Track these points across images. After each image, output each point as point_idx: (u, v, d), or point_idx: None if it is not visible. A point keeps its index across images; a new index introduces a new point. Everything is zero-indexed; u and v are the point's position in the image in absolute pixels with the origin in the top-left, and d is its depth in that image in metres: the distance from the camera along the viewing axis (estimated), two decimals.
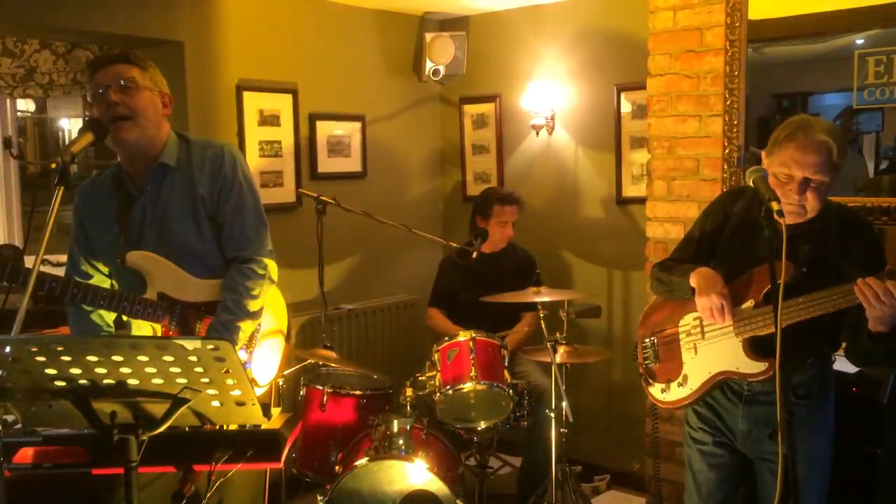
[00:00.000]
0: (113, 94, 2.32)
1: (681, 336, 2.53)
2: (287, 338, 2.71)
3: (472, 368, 3.36)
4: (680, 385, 2.52)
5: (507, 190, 4.44)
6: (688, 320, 2.51)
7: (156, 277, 2.41)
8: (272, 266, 2.53)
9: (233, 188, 2.47)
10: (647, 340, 2.65)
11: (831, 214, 2.34)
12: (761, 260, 2.27)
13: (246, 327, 2.43)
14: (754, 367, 2.31)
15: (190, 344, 1.61)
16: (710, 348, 2.43)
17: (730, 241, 2.46)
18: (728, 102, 3.38)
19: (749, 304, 2.32)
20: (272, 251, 2.55)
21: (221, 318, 2.40)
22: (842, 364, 2.93)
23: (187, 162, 2.46)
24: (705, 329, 2.44)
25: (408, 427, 3.15)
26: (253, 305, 2.44)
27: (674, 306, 2.56)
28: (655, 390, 2.61)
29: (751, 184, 2.21)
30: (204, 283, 2.46)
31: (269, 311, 2.59)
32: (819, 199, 2.25)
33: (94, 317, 2.48)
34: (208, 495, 2.03)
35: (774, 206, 2.02)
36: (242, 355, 2.44)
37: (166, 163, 2.43)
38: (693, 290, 2.38)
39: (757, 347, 2.31)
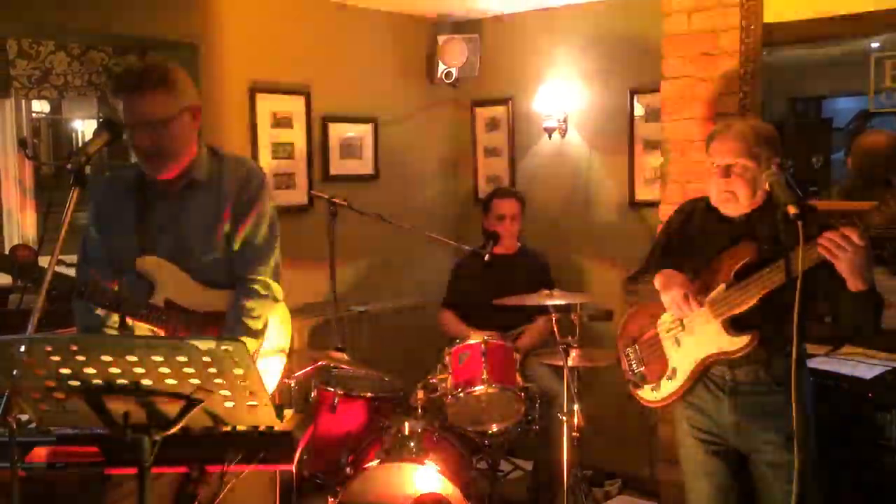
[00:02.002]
0: (141, 137, 2.30)
1: (661, 334, 2.64)
2: (289, 354, 2.72)
3: (484, 371, 3.35)
4: (669, 379, 2.61)
5: (508, 187, 4.43)
6: (666, 318, 2.62)
7: (164, 284, 2.42)
8: (276, 287, 2.54)
9: (253, 209, 2.48)
10: (628, 349, 2.77)
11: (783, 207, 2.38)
12: (721, 251, 2.45)
13: (248, 345, 2.42)
14: (736, 342, 2.40)
15: (204, 345, 1.61)
16: (692, 337, 2.53)
17: (690, 244, 2.60)
18: (742, 105, 3.35)
19: (721, 287, 2.43)
20: (277, 273, 2.56)
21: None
22: (857, 369, 2.93)
23: (217, 178, 2.47)
24: (684, 320, 2.54)
25: (419, 429, 3.15)
26: (254, 325, 2.45)
27: (649, 311, 2.68)
28: (645, 392, 2.71)
29: (766, 187, 2.24)
30: (210, 294, 2.47)
31: (274, 329, 2.61)
32: (747, 186, 2.38)
33: (98, 310, 2.49)
34: (220, 496, 2.03)
35: (791, 209, 2.05)
36: None
37: (197, 178, 2.44)
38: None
39: (736, 324, 2.41)
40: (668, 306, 2.51)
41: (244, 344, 1.65)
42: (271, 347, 2.60)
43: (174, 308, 2.42)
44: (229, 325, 2.42)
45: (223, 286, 2.49)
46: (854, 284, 2.18)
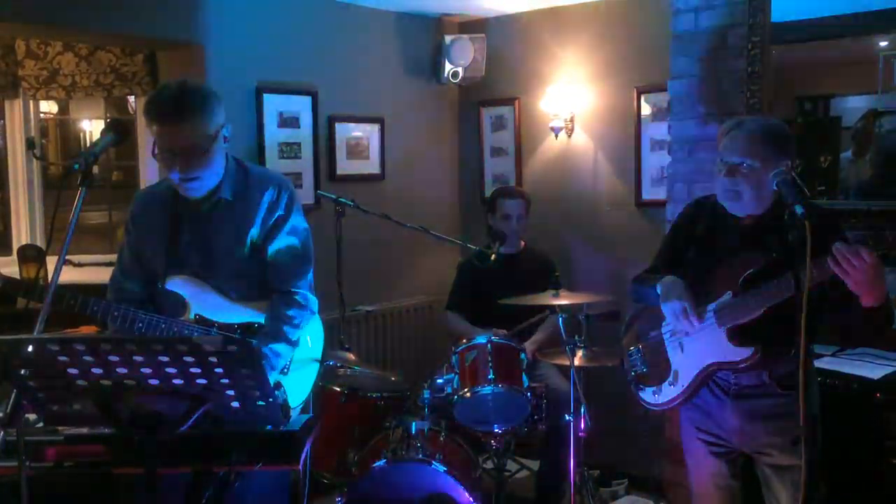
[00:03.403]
0: (179, 163, 2.31)
1: (665, 336, 2.61)
2: (321, 362, 2.74)
3: (491, 371, 3.34)
4: (671, 384, 2.58)
5: (514, 186, 4.43)
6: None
7: (195, 300, 2.45)
8: (313, 300, 2.57)
9: (285, 224, 2.50)
10: (632, 348, 2.74)
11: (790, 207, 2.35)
12: (729, 256, 2.42)
13: (284, 353, 2.45)
14: (740, 353, 2.37)
15: (211, 345, 1.62)
16: (695, 343, 2.49)
17: (698, 246, 2.57)
18: (750, 105, 3.34)
19: (727, 295, 2.40)
20: (313, 286, 2.58)
21: (262, 342, 2.41)
22: (866, 369, 2.91)
23: (244, 193, 2.47)
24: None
25: (425, 429, 3.15)
26: (294, 334, 2.47)
27: (655, 311, 2.64)
28: (647, 394, 2.68)
29: (774, 186, 2.22)
30: (240, 308, 2.49)
31: (311, 340, 2.64)
32: (753, 186, 2.35)
33: None
34: (227, 496, 2.03)
35: (798, 209, 2.02)
36: (278, 376, 2.48)
37: (225, 196, 2.44)
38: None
39: (740, 335, 2.37)
40: (667, 316, 2.50)
41: (251, 344, 1.66)
42: (308, 357, 2.63)
43: (206, 323, 2.45)
44: (269, 331, 2.44)
45: (252, 300, 2.51)
46: (865, 301, 2.14)
